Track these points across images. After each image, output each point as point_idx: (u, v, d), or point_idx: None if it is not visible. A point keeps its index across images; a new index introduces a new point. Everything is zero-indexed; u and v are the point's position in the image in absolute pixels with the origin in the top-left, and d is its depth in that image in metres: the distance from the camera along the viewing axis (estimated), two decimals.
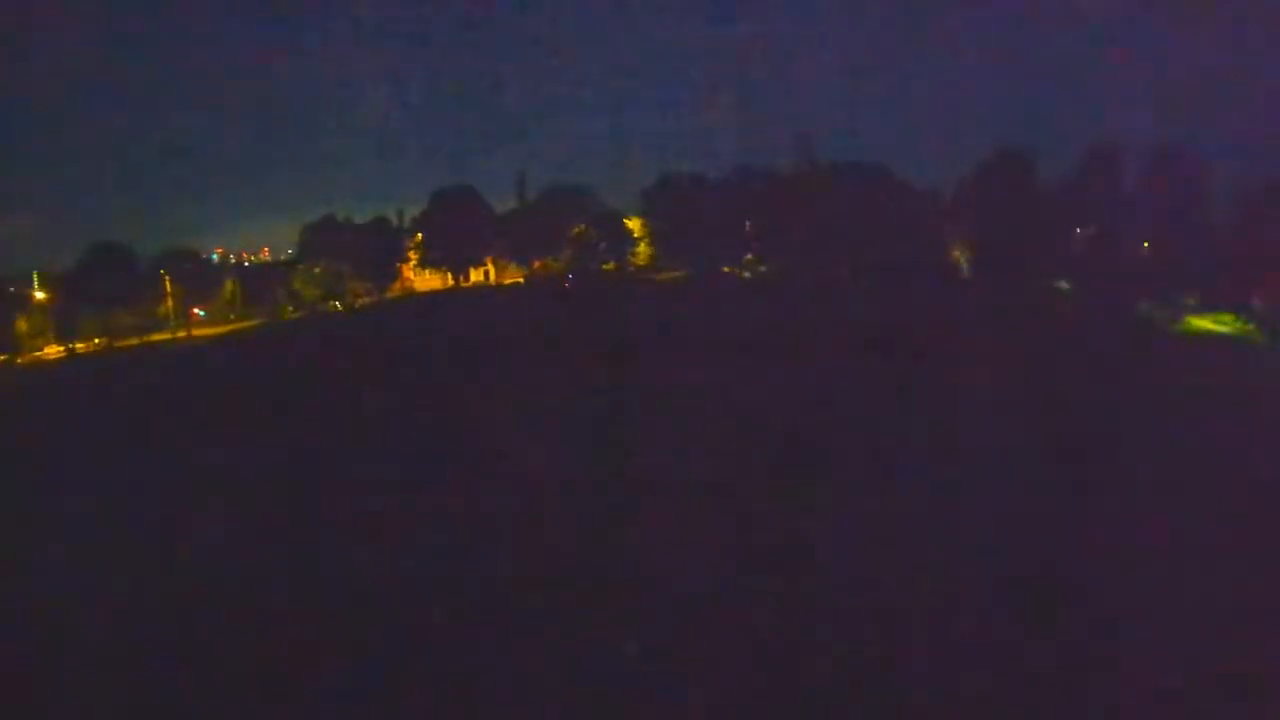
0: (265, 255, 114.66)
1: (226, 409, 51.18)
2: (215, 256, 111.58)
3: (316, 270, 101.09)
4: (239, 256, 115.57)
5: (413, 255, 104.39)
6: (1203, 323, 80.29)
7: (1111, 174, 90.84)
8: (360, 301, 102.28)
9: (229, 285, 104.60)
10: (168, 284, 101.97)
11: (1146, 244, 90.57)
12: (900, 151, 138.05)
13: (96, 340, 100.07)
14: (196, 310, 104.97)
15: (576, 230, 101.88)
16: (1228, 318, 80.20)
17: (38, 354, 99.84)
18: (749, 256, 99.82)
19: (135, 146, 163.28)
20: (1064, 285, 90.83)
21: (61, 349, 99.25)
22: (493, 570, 26.53)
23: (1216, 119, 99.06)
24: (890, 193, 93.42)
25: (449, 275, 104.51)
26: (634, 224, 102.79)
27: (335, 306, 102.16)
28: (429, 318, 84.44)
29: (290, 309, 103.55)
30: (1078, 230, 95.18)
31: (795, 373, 52.00)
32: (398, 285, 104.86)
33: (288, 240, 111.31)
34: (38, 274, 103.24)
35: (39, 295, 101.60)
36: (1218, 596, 20.58)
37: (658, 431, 40.40)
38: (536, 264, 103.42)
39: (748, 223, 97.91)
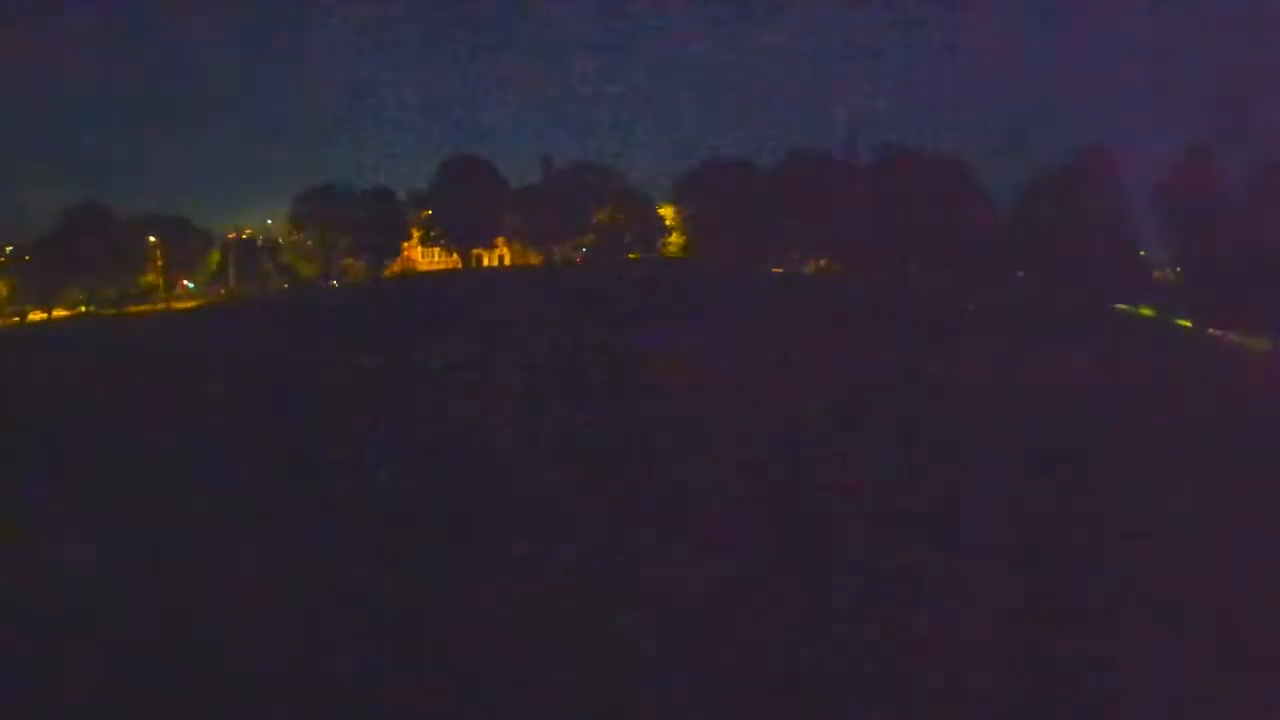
0: (294, 236, 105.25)
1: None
2: (244, 235, 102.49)
3: (309, 243, 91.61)
4: (268, 236, 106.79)
5: (415, 231, 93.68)
6: None
7: (1207, 180, 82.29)
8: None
9: (214, 256, 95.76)
10: (158, 253, 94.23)
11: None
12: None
13: (84, 308, 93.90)
14: (186, 282, 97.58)
15: (600, 215, 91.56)
16: None
17: (15, 319, 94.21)
18: (797, 254, 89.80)
19: (154, 122, 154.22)
20: (1147, 311, 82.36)
21: (17, 317, 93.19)
22: None
23: None
24: (959, 185, 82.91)
25: (457, 255, 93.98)
26: (666, 211, 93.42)
27: (334, 285, 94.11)
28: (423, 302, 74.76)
29: (284, 284, 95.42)
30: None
31: None
32: (397, 264, 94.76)
33: None
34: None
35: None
36: None
37: None
38: (555, 248, 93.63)
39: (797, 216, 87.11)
